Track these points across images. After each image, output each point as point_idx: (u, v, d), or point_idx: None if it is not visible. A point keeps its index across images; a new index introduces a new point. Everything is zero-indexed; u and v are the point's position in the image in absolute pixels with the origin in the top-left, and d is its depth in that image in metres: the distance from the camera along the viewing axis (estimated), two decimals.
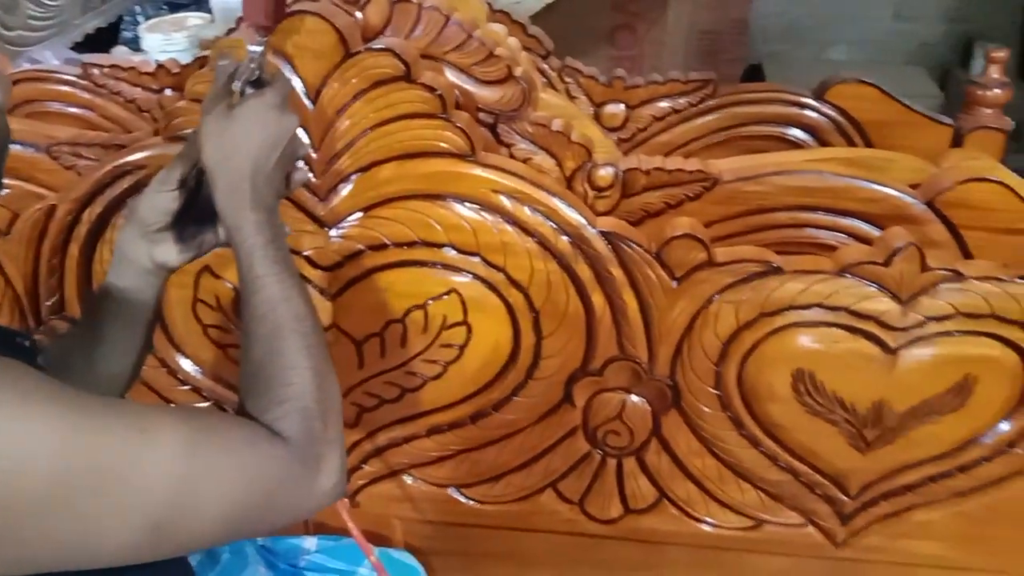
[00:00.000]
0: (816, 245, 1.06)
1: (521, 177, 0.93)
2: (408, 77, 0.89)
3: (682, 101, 1.41)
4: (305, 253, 0.97)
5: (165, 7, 1.95)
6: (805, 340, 0.94)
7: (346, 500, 0.77)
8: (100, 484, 0.52)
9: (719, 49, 2.83)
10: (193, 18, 1.65)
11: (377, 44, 0.89)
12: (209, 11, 1.71)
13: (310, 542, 1.04)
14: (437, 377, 1.02)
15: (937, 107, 2.60)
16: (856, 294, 0.91)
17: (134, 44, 1.79)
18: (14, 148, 0.99)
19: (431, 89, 0.89)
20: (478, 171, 0.92)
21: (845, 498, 1.01)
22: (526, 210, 0.93)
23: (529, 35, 1.38)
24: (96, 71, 1.41)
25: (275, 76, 0.74)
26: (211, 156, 0.68)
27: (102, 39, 2.00)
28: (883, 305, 0.91)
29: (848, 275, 0.91)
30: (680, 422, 0.99)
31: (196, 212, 0.74)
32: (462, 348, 1.00)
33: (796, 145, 1.38)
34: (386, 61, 0.89)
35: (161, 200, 0.72)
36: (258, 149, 0.68)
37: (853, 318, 0.92)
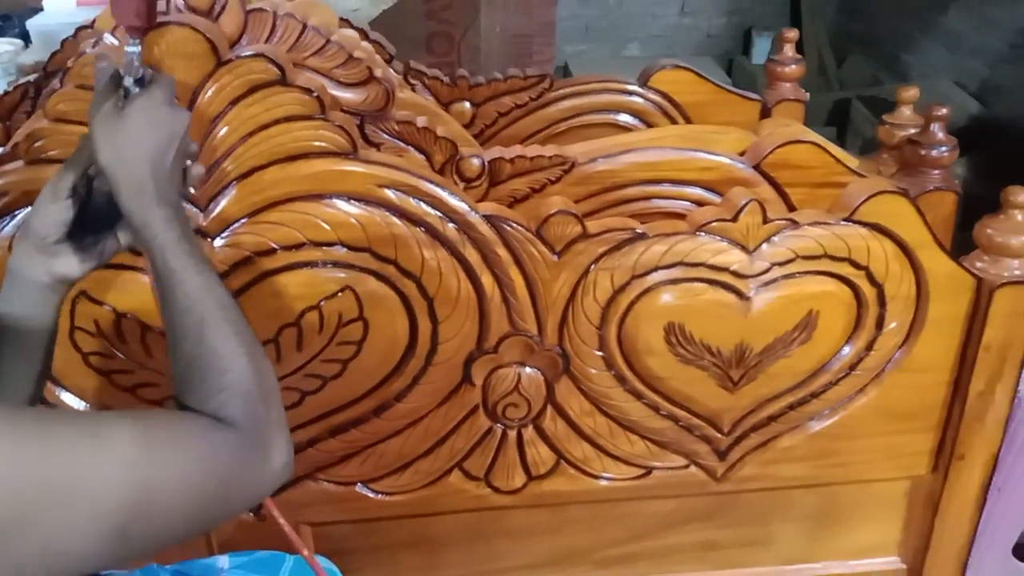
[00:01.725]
0: (665, 214, 1.17)
1: (404, 170, 0.96)
2: (283, 81, 0.91)
3: (523, 96, 1.49)
4: None
5: None
6: (672, 296, 1.04)
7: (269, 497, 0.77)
8: (59, 497, 0.52)
9: (531, 51, 2.97)
10: (2, 44, 1.55)
11: (247, 51, 0.90)
12: (17, 36, 1.61)
13: (223, 561, 1.02)
14: (337, 376, 1.03)
15: None
16: (711, 249, 1.02)
17: None
18: None
19: (308, 91, 0.92)
20: (361, 168, 0.95)
21: (720, 435, 1.12)
22: (412, 201, 0.97)
23: (371, 40, 1.41)
24: None
25: (158, 74, 0.74)
26: (108, 157, 0.68)
27: None
28: (734, 257, 1.03)
29: (702, 234, 1.02)
30: (572, 386, 1.07)
31: (91, 219, 0.73)
32: (360, 344, 1.02)
33: (627, 129, 1.50)
34: (259, 66, 0.90)
35: (54, 211, 0.71)
36: (155, 145, 0.68)
37: (711, 271, 1.03)
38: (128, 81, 0.71)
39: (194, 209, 0.94)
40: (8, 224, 0.93)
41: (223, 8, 0.97)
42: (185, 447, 0.59)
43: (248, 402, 0.64)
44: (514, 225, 0.99)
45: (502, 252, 1.00)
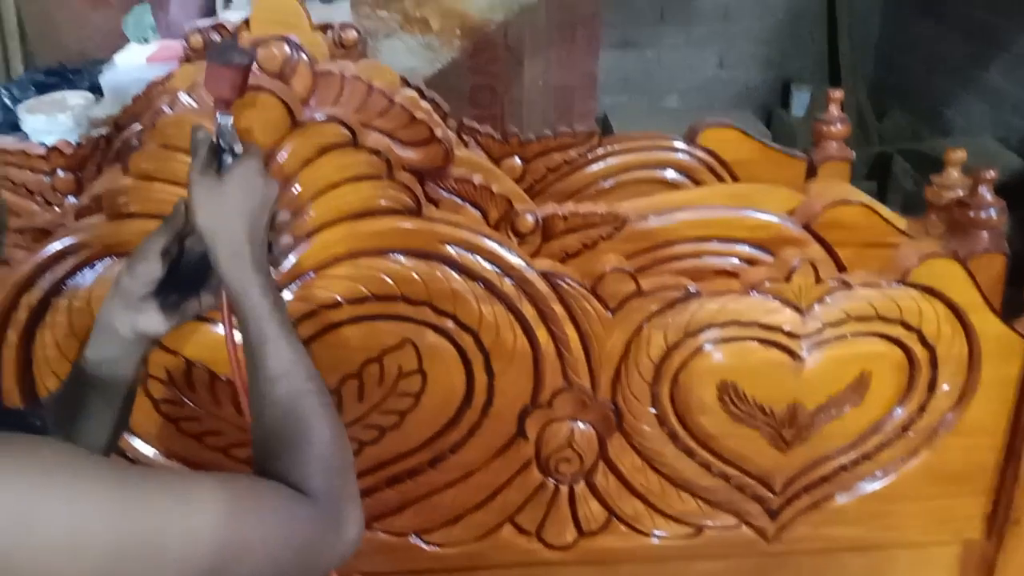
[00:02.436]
0: (716, 271, 1.19)
1: (465, 228, 1.00)
2: (354, 143, 0.95)
3: (572, 153, 1.52)
4: None
5: (32, 88, 1.90)
6: (725, 354, 1.05)
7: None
8: (148, 553, 0.54)
9: (573, 104, 3.02)
10: (73, 97, 1.62)
11: (320, 114, 0.95)
12: (87, 89, 1.68)
13: None
14: (394, 427, 1.06)
15: None
16: (764, 309, 1.04)
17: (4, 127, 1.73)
18: None
19: (376, 153, 0.96)
20: (424, 225, 0.99)
21: (772, 495, 1.13)
22: (471, 257, 1.00)
23: (427, 98, 1.46)
24: None
25: (249, 144, 0.77)
26: (207, 221, 0.71)
27: None
28: (787, 316, 1.04)
29: (755, 293, 1.04)
30: (624, 443, 1.08)
31: (178, 280, 0.76)
32: (418, 396, 1.05)
33: (674, 185, 1.53)
34: (332, 130, 0.94)
35: (145, 269, 0.74)
36: (251, 212, 0.72)
37: (763, 331, 1.04)
38: (227, 150, 0.74)
39: None
40: (89, 276, 0.97)
41: (294, 70, 1.01)
42: (268, 517, 0.61)
43: (328, 476, 0.66)
44: (569, 282, 1.02)
45: (557, 308, 1.02)
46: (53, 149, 1.41)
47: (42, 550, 0.49)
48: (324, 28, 1.14)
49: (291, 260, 0.98)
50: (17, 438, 0.54)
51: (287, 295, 0.98)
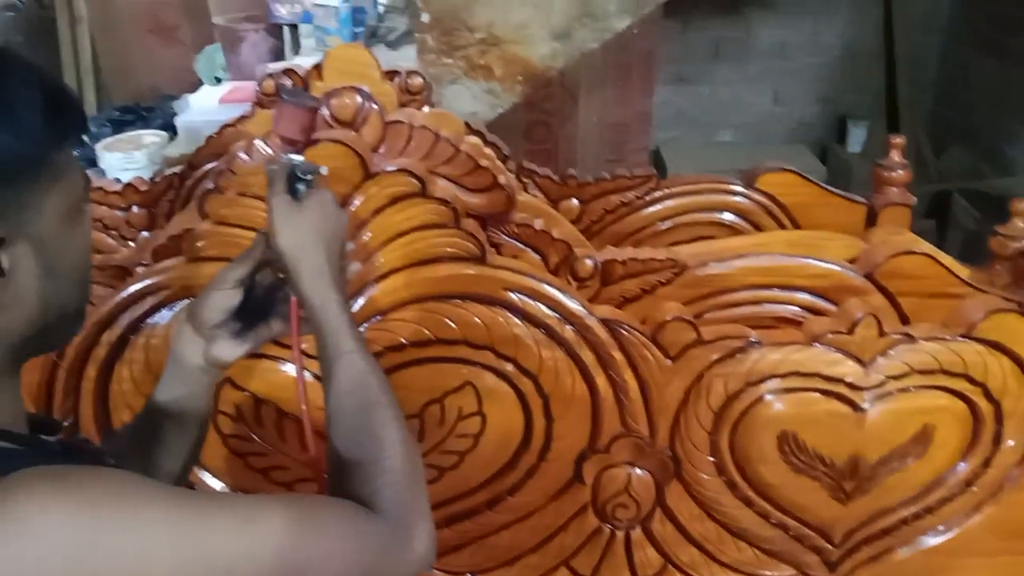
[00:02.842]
0: (775, 318, 1.19)
1: (528, 275, 1.02)
2: (423, 193, 0.98)
3: (629, 195, 1.54)
4: None
5: (108, 124, 1.98)
6: (786, 404, 1.05)
7: None
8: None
9: (626, 140, 3.04)
10: (148, 136, 1.69)
11: (391, 165, 0.98)
12: (160, 127, 1.75)
13: None
14: (453, 467, 1.07)
15: (822, 180, 2.89)
16: (826, 360, 1.03)
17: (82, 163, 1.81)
18: None
19: (444, 202, 0.98)
20: (488, 272, 1.01)
21: (831, 547, 1.11)
22: (533, 303, 1.02)
23: (489, 142, 1.49)
24: None
25: (320, 179, 0.80)
26: (289, 242, 0.74)
27: None
28: (849, 368, 1.04)
29: (818, 344, 1.03)
30: (682, 490, 1.08)
31: (249, 310, 0.79)
32: (477, 437, 1.06)
33: (732, 228, 1.53)
34: (402, 179, 0.97)
35: (220, 299, 0.77)
36: (329, 235, 0.75)
37: (826, 382, 1.04)
38: (304, 180, 0.77)
39: None
40: (166, 315, 1.01)
41: (365, 119, 1.05)
42: (333, 534, 0.62)
43: (398, 491, 0.67)
44: (629, 329, 1.03)
45: (617, 354, 1.03)
46: (128, 186, 1.47)
47: (110, 574, 0.51)
48: (391, 74, 1.18)
49: (359, 303, 1.00)
50: (87, 470, 0.56)
51: None
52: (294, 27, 1.89)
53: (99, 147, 1.65)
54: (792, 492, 1.08)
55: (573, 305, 1.02)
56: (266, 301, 0.80)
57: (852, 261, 1.20)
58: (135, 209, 1.47)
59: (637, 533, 1.11)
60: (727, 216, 1.54)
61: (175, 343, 0.79)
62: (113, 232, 1.51)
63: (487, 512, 1.09)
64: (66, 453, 0.63)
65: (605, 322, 1.03)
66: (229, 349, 0.78)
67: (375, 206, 0.97)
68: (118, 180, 1.53)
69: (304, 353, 0.79)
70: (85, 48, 2.96)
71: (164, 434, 0.79)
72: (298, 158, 0.79)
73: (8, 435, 0.58)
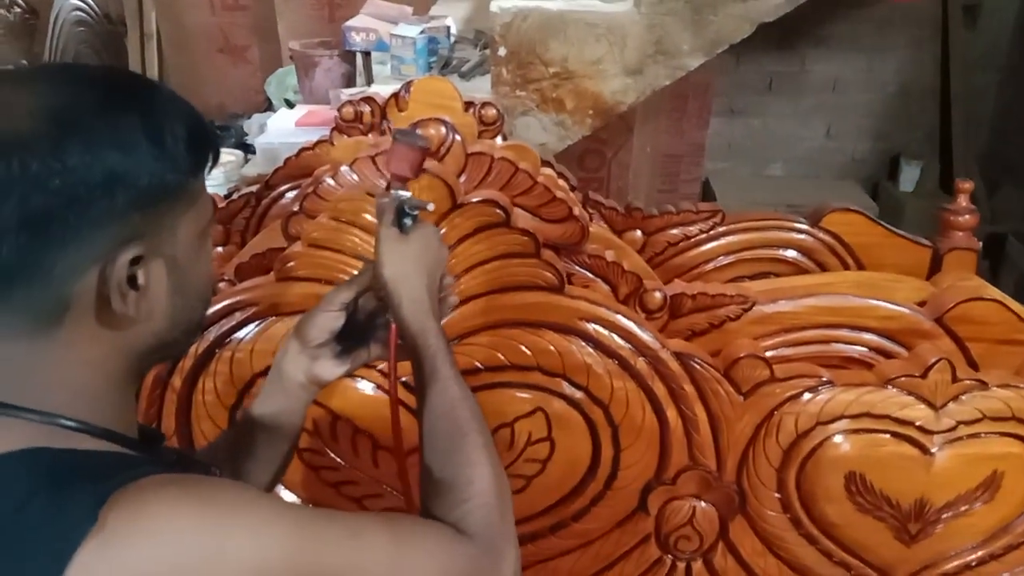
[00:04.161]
0: (843, 358, 1.20)
1: (603, 306, 1.04)
2: (507, 223, 1.00)
3: (693, 229, 1.55)
4: (403, 379, 1.04)
5: None
6: (855, 445, 1.05)
7: None
8: None
9: (679, 170, 3.06)
10: (225, 155, 1.74)
11: (477, 196, 1.01)
12: (234, 146, 1.80)
13: None
14: (521, 491, 1.09)
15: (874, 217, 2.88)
16: (898, 403, 1.04)
17: None
18: None
19: (527, 233, 1.01)
20: (566, 302, 1.03)
21: None
22: (607, 334, 1.04)
23: (558, 173, 1.52)
24: None
25: (424, 216, 0.83)
26: (393, 273, 0.77)
27: None
28: (921, 412, 1.04)
29: (890, 387, 1.04)
30: (746, 525, 1.09)
31: (350, 332, 0.82)
32: (545, 462, 1.08)
33: (795, 265, 1.54)
34: (488, 210, 1.00)
35: (326, 319, 0.80)
36: (430, 268, 0.79)
37: (896, 424, 1.05)
38: (410, 215, 0.80)
39: None
40: (252, 330, 1.05)
41: (448, 149, 1.08)
42: (430, 556, 0.64)
43: (487, 514, 0.69)
44: (703, 363, 1.04)
45: (688, 388, 1.05)
46: None
47: None
48: (466, 105, 1.21)
49: None
50: (209, 479, 0.59)
51: None
52: (367, 54, 1.94)
53: None
54: (856, 532, 1.08)
55: (646, 337, 1.04)
56: (367, 326, 0.83)
57: (921, 304, 1.21)
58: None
59: (698, 565, 1.11)
60: (790, 253, 1.55)
61: (280, 359, 0.82)
62: None
63: (550, 537, 1.11)
64: (180, 463, 0.66)
65: (678, 355, 1.05)
66: (330, 368, 0.81)
67: (460, 235, 1.00)
68: None
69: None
70: (153, 65, 3.05)
71: (257, 447, 0.82)
72: (406, 194, 0.82)
73: (130, 442, 0.61)
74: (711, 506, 1.09)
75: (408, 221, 0.80)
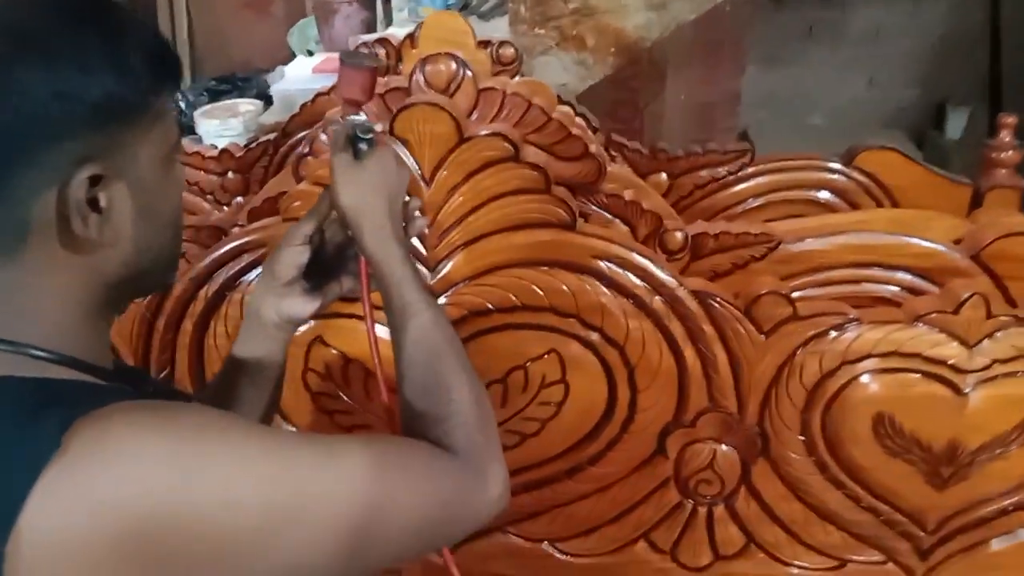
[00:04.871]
0: (874, 298, 1.15)
1: (618, 243, 1.00)
2: (516, 158, 0.97)
3: (721, 170, 1.50)
4: None
5: (205, 93, 2.04)
6: (883, 385, 1.01)
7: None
8: (298, 515, 0.56)
9: (714, 119, 2.98)
10: (244, 104, 1.73)
11: (485, 129, 0.97)
12: (255, 97, 1.79)
13: None
14: (535, 434, 1.07)
15: None
16: (928, 341, 0.99)
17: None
18: None
19: (537, 167, 0.98)
20: (579, 239, 1.00)
21: (923, 534, 1.07)
22: (622, 273, 1.00)
23: (579, 114, 1.48)
24: None
25: (383, 138, 0.80)
26: (351, 200, 0.75)
27: None
28: (953, 350, 0.99)
29: (920, 324, 0.99)
30: (768, 469, 1.06)
31: (319, 266, 0.80)
32: (560, 405, 1.06)
33: (828, 207, 1.48)
34: (496, 144, 0.97)
35: (291, 255, 0.78)
36: (390, 191, 0.76)
37: (926, 363, 1.00)
38: (365, 138, 0.77)
39: (424, 270, 1.01)
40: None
41: (459, 86, 1.05)
42: (412, 472, 0.63)
43: (468, 432, 0.68)
44: (722, 302, 1.01)
45: (707, 328, 1.01)
46: (224, 151, 1.51)
47: (200, 504, 0.52)
48: (483, 44, 1.17)
49: (447, 267, 1.01)
50: (180, 404, 0.58)
51: (440, 301, 1.02)
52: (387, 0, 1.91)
53: (197, 114, 1.70)
54: (885, 476, 1.04)
55: (663, 276, 1.01)
56: (337, 259, 0.81)
57: (957, 242, 1.15)
58: (230, 174, 1.51)
59: (720, 510, 1.09)
60: (823, 195, 1.49)
61: (251, 301, 0.81)
62: (209, 196, 1.55)
63: (567, 481, 1.09)
64: (157, 395, 0.65)
65: (696, 294, 1.01)
66: (301, 305, 0.79)
67: (468, 170, 0.97)
68: (214, 146, 1.57)
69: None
70: (182, 22, 3.05)
71: (241, 391, 0.81)
72: (359, 118, 0.79)
73: (101, 372, 0.60)
74: (732, 449, 1.05)
75: (363, 146, 0.77)
